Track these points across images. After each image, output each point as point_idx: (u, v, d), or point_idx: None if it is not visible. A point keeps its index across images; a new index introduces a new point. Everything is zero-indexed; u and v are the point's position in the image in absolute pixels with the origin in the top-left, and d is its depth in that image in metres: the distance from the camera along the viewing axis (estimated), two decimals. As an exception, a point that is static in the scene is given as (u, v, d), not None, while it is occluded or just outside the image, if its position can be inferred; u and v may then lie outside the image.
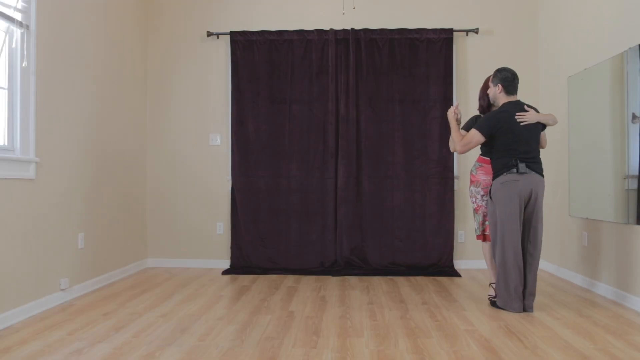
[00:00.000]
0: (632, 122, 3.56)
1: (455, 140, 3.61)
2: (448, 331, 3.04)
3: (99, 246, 4.30)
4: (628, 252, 3.67)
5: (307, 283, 4.48)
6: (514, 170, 3.40)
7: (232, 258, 5.12)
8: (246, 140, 5.15)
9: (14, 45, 3.38)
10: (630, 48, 3.58)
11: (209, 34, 5.22)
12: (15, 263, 3.25)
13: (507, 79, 3.51)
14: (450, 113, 3.70)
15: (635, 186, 3.53)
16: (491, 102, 3.67)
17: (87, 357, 2.60)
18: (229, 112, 5.23)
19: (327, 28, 5.14)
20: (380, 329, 3.08)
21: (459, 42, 5.21)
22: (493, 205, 3.50)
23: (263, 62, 5.16)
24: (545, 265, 5.02)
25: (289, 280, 4.63)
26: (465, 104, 5.19)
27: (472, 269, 5.07)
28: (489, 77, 3.71)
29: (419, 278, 4.70)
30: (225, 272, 4.92)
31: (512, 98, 3.54)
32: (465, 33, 5.19)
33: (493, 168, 3.55)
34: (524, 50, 5.21)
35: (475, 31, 5.13)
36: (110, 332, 3.02)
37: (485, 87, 3.76)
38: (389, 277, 4.74)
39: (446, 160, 5.06)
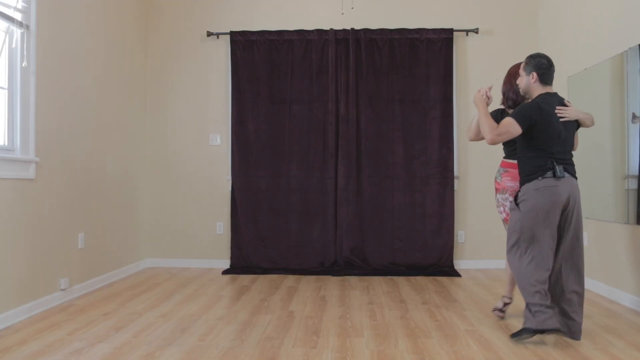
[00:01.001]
0: (632, 122, 3.56)
1: (486, 127, 2.97)
2: (448, 331, 3.04)
3: (99, 246, 4.30)
4: (628, 252, 3.67)
5: (307, 283, 4.48)
6: (550, 174, 2.86)
7: (232, 258, 5.12)
8: (246, 140, 5.15)
9: (14, 45, 3.38)
10: (630, 48, 3.58)
11: (209, 34, 5.22)
12: (15, 263, 3.25)
13: (543, 66, 2.98)
14: (481, 95, 3.12)
15: (635, 186, 3.53)
16: (522, 93, 3.10)
17: (87, 357, 2.60)
18: (229, 112, 5.23)
19: (327, 28, 5.14)
20: (380, 329, 3.08)
21: (459, 42, 5.21)
22: (518, 214, 2.91)
23: (263, 62, 5.16)
24: (545, 265, 5.02)
25: (289, 280, 4.63)
26: (465, 103, 5.19)
27: (472, 269, 5.07)
28: (516, 65, 3.28)
29: (419, 278, 4.70)
30: (225, 272, 4.92)
31: (548, 89, 3.00)
32: (465, 33, 5.19)
33: (522, 170, 2.98)
34: (524, 50, 5.20)
35: (475, 31, 5.13)
36: (110, 332, 3.02)
37: (513, 76, 3.26)
38: (389, 277, 4.74)
39: (446, 160, 5.06)
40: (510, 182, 3.26)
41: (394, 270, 4.90)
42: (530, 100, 3.03)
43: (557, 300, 2.90)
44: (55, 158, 3.70)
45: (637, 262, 3.55)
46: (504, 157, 3.35)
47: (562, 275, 2.90)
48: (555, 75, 4.77)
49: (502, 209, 3.34)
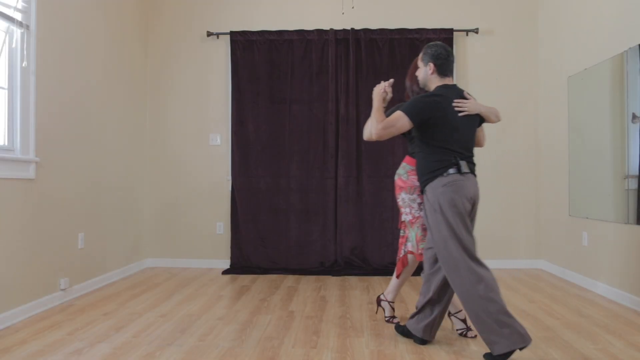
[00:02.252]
0: (632, 122, 3.56)
1: (374, 121, 2.71)
2: (448, 331, 3.04)
3: (99, 246, 4.30)
4: (628, 252, 3.67)
5: (307, 283, 4.48)
6: (454, 170, 2.62)
7: (232, 258, 5.12)
8: (246, 140, 5.15)
9: (14, 45, 3.38)
10: (630, 48, 3.58)
11: (209, 34, 5.22)
12: (15, 263, 3.25)
13: (441, 55, 2.73)
14: (380, 90, 2.81)
15: (635, 186, 3.53)
16: (421, 85, 2.86)
17: (87, 357, 2.60)
18: (229, 112, 5.23)
19: (327, 28, 5.14)
20: (380, 329, 3.08)
21: (459, 42, 5.21)
22: (438, 215, 2.61)
23: (263, 62, 5.16)
24: (546, 265, 5.02)
25: (289, 280, 4.63)
26: (465, 104, 5.19)
27: (472, 269, 5.06)
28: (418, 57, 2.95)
29: (418, 278, 4.70)
30: (225, 272, 4.92)
31: (447, 81, 2.76)
32: (465, 33, 5.19)
33: (423, 168, 2.73)
34: (524, 50, 5.21)
35: (475, 31, 5.13)
36: (110, 332, 3.02)
37: (414, 69, 2.99)
38: (389, 277, 4.74)
39: (446, 160, 5.05)
40: (418, 180, 2.91)
41: (394, 270, 4.89)
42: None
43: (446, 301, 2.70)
44: (55, 158, 3.70)
45: (637, 262, 3.55)
46: (409, 153, 3.11)
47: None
48: (555, 75, 4.80)
49: (408, 209, 3.05)
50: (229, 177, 5.20)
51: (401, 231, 3.16)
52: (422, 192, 2.78)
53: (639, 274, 3.53)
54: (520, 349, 2.42)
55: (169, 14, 5.34)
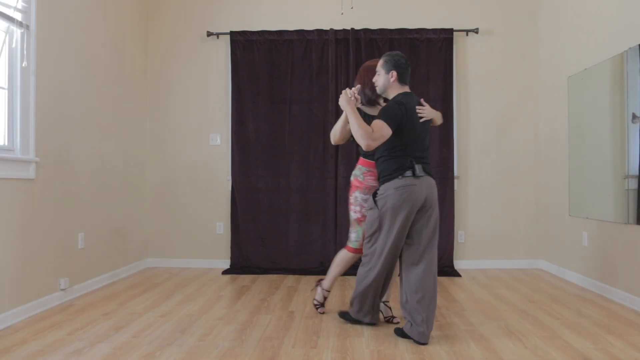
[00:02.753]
0: (632, 122, 3.56)
1: (363, 132, 2.79)
2: (448, 331, 3.04)
3: (99, 246, 4.30)
4: (628, 252, 3.67)
5: (307, 283, 4.48)
6: (410, 173, 2.83)
7: (232, 258, 5.12)
8: (246, 140, 5.15)
9: (14, 45, 3.38)
10: (630, 48, 3.58)
11: (209, 34, 5.22)
12: (15, 263, 3.25)
13: (402, 65, 2.93)
14: (349, 97, 2.97)
15: (635, 186, 3.53)
16: (379, 91, 3.02)
17: (87, 357, 2.60)
18: (229, 112, 5.23)
19: (327, 28, 5.14)
20: (380, 329, 3.08)
21: (459, 42, 5.21)
22: (377, 213, 2.89)
23: (263, 62, 5.16)
24: (546, 265, 5.02)
25: (289, 280, 4.63)
26: (465, 103, 5.19)
27: (472, 269, 5.07)
28: (372, 61, 3.22)
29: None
30: (225, 272, 4.92)
31: (405, 88, 2.96)
32: (465, 33, 5.19)
33: (382, 170, 2.94)
34: (524, 50, 5.20)
35: (475, 31, 5.13)
36: (110, 332, 3.02)
37: (369, 72, 3.16)
38: (389, 277, 4.73)
39: (446, 160, 5.06)
40: (374, 181, 3.18)
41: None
42: (388, 99, 2.99)
43: (410, 299, 2.83)
44: (55, 158, 3.70)
45: (637, 262, 3.55)
46: (363, 156, 3.23)
47: (408, 279, 2.86)
48: (555, 75, 4.80)
49: (358, 208, 3.22)
50: (229, 177, 5.20)
51: (351, 228, 3.37)
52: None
53: (639, 273, 3.53)
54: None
55: (169, 14, 5.34)
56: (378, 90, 3.03)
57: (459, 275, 4.78)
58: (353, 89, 3.05)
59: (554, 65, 4.86)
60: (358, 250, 3.28)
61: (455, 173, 5.13)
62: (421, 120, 2.91)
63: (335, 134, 3.23)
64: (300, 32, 5.14)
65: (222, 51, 5.29)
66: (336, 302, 3.76)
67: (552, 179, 4.90)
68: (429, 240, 2.88)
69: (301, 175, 5.11)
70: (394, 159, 2.88)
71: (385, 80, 2.96)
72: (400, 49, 5.09)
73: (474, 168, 5.18)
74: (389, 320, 3.25)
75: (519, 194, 5.17)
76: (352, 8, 5.01)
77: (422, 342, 2.78)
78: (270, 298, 3.91)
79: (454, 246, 5.09)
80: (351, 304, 3.14)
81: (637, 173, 3.51)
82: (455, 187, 5.14)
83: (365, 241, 3.02)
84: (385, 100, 3.11)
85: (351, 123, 2.88)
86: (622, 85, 3.68)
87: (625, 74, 3.64)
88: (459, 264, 5.12)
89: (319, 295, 3.50)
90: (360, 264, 3.07)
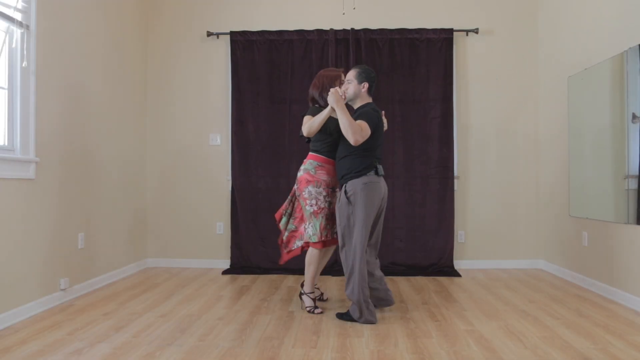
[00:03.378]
0: (632, 122, 3.56)
1: (355, 128, 3.13)
2: (448, 331, 3.04)
3: (99, 246, 4.30)
4: (628, 252, 3.67)
5: (307, 283, 4.48)
6: (373, 172, 3.26)
7: (232, 258, 5.12)
8: (246, 140, 5.15)
9: (14, 45, 3.38)
10: (630, 48, 3.58)
11: (209, 34, 5.22)
12: (15, 263, 3.25)
13: (373, 79, 3.39)
14: (340, 96, 3.24)
15: (635, 186, 3.53)
16: (348, 98, 3.36)
17: (87, 357, 2.60)
18: (229, 112, 5.23)
19: (327, 28, 5.14)
20: (380, 329, 3.08)
21: (459, 42, 5.21)
22: (351, 208, 3.22)
23: (263, 62, 5.16)
24: (546, 265, 5.02)
25: (289, 280, 4.63)
26: (465, 103, 5.19)
27: (472, 269, 5.07)
28: (331, 70, 3.59)
29: (419, 278, 4.70)
30: (225, 272, 4.92)
31: (370, 99, 3.43)
32: (465, 33, 5.19)
33: (350, 166, 3.26)
34: (524, 50, 5.21)
35: (475, 31, 5.13)
36: (110, 332, 3.02)
37: (330, 80, 3.48)
38: (389, 277, 4.73)
39: (446, 160, 5.06)
40: (325, 175, 3.44)
41: (394, 270, 4.90)
42: (353, 107, 3.41)
43: (370, 282, 3.34)
44: (55, 158, 3.70)
45: (637, 262, 3.55)
46: (315, 152, 3.48)
47: (371, 261, 3.40)
48: (555, 75, 4.80)
49: (314, 201, 3.41)
50: (229, 177, 5.20)
51: (292, 226, 3.64)
52: (340, 186, 3.36)
53: (639, 274, 3.53)
54: (363, 321, 3.19)
55: (169, 14, 5.34)
56: (347, 97, 3.37)
57: (459, 275, 4.78)
58: (340, 88, 3.36)
59: (554, 65, 4.86)
60: (319, 244, 3.44)
61: (455, 173, 5.13)
62: (384, 128, 3.43)
63: (312, 127, 3.34)
64: (300, 32, 5.14)
65: (222, 51, 5.29)
66: (336, 302, 3.75)
67: (552, 179, 4.90)
68: (379, 230, 3.43)
69: (301, 175, 5.10)
70: (361, 158, 3.26)
71: (357, 89, 3.37)
72: (400, 49, 5.09)
73: (474, 168, 5.18)
74: (320, 298, 3.72)
75: (519, 193, 5.17)
76: (354, 9, 5.01)
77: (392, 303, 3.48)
78: (270, 298, 3.91)
79: (454, 246, 5.09)
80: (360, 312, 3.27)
81: (637, 173, 3.51)
82: (455, 187, 5.14)
83: (341, 234, 3.28)
84: (348, 107, 3.37)
85: (342, 120, 3.17)
86: (622, 85, 3.68)
87: (625, 74, 3.63)
88: (459, 264, 5.12)
89: (307, 301, 3.53)
90: (342, 259, 3.32)
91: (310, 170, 3.44)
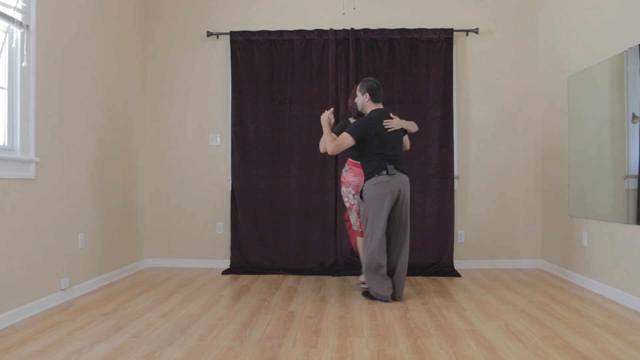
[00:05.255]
0: (632, 122, 3.56)
1: (328, 141, 3.82)
2: (448, 331, 3.04)
3: (99, 246, 4.30)
4: (628, 252, 3.67)
5: (307, 283, 4.48)
6: (384, 172, 3.69)
7: (232, 258, 5.12)
8: (246, 140, 5.15)
9: (14, 45, 3.38)
10: (630, 48, 3.58)
11: (209, 34, 5.22)
12: (15, 263, 3.25)
13: (373, 88, 3.83)
14: (325, 117, 3.92)
15: (635, 186, 3.53)
16: (359, 109, 3.94)
17: (87, 357, 2.60)
18: (229, 112, 5.23)
19: (327, 28, 5.14)
20: (380, 329, 3.08)
21: (459, 42, 5.21)
22: (364, 205, 3.76)
23: (263, 62, 5.16)
24: (546, 265, 5.02)
25: (289, 280, 4.63)
26: (465, 103, 5.19)
27: (472, 269, 5.07)
28: (357, 86, 4.02)
29: (418, 278, 4.70)
30: (225, 272, 4.92)
31: (378, 106, 3.85)
32: (465, 33, 5.19)
33: (364, 170, 3.83)
34: (524, 50, 5.21)
35: (475, 31, 5.13)
36: (110, 332, 3.02)
37: (354, 95, 4.01)
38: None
39: (446, 160, 5.05)
40: (353, 177, 4.03)
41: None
42: (365, 113, 3.88)
43: (391, 273, 3.78)
44: (55, 158, 3.70)
45: (637, 262, 3.55)
46: (350, 157, 4.10)
47: (394, 254, 3.77)
48: (555, 75, 4.80)
49: (347, 199, 4.08)
50: (229, 177, 5.20)
51: (351, 216, 4.14)
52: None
53: (639, 274, 3.53)
54: (387, 300, 3.72)
55: (169, 14, 5.34)
56: (358, 107, 3.95)
57: (459, 275, 4.78)
58: (329, 111, 3.95)
59: (554, 65, 4.86)
60: (360, 232, 4.06)
61: (455, 173, 5.13)
62: (389, 131, 3.75)
63: (322, 145, 4.13)
64: (300, 32, 5.14)
65: (222, 51, 5.29)
66: (336, 302, 3.76)
67: (552, 179, 4.90)
68: (406, 219, 3.78)
69: (301, 175, 5.11)
70: (371, 162, 3.76)
71: (361, 100, 3.89)
72: (400, 49, 5.09)
73: (474, 168, 5.18)
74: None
75: (519, 194, 5.17)
76: (354, 9, 5.01)
77: (392, 299, 3.76)
78: (270, 298, 3.91)
79: (454, 246, 5.09)
80: (364, 282, 3.90)
81: (637, 173, 3.51)
82: (455, 187, 5.14)
83: (363, 227, 3.85)
84: (362, 115, 3.98)
85: (324, 135, 3.90)
86: (622, 85, 3.68)
87: (625, 74, 3.63)
88: (459, 264, 5.12)
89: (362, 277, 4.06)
90: (363, 245, 3.88)
91: (343, 173, 4.12)
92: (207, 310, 3.52)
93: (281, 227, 5.10)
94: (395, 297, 3.77)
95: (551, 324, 3.17)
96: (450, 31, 5.09)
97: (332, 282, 4.55)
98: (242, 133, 5.15)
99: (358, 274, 4.84)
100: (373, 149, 3.73)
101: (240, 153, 5.14)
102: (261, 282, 4.51)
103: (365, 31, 5.10)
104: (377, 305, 3.66)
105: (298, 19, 5.22)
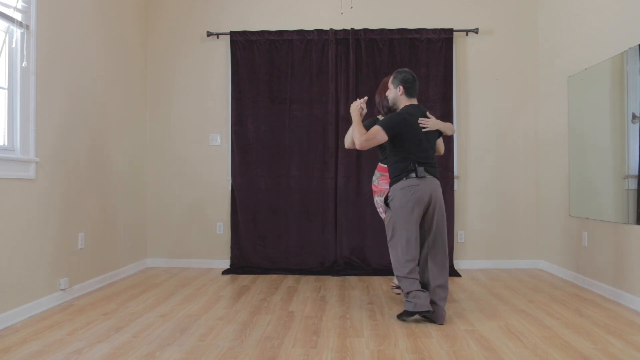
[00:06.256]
0: (632, 122, 3.56)
1: (357, 133, 3.29)
2: (448, 331, 3.04)
3: (99, 246, 4.30)
4: (628, 252, 3.67)
5: (307, 283, 4.48)
6: (413, 174, 3.22)
7: (232, 258, 5.12)
8: (246, 140, 5.15)
9: (14, 45, 3.38)
10: (630, 48, 3.58)
11: (209, 34, 5.22)
12: (15, 263, 3.25)
13: (408, 80, 3.34)
14: (357, 106, 3.42)
15: (635, 186, 3.53)
16: (390, 104, 3.46)
17: (87, 357, 2.60)
18: (229, 112, 5.23)
19: (327, 28, 5.14)
20: (380, 329, 3.08)
21: (459, 42, 5.21)
22: (389, 213, 3.28)
23: (263, 62, 5.16)
24: (545, 265, 5.02)
25: (289, 280, 4.63)
26: (465, 103, 5.19)
27: (472, 269, 5.07)
28: (387, 78, 3.60)
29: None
30: (225, 272, 4.92)
31: (412, 101, 3.37)
32: (465, 33, 5.19)
33: (391, 173, 3.34)
34: (524, 50, 5.20)
35: (475, 31, 5.13)
36: (110, 332, 3.02)
37: (384, 88, 3.61)
38: (389, 277, 4.74)
39: (446, 161, 5.05)
40: (386, 184, 3.56)
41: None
42: (397, 110, 3.39)
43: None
44: (55, 158, 3.70)
45: (637, 262, 3.55)
46: (380, 162, 3.68)
47: (428, 269, 3.24)
48: (555, 75, 4.80)
49: (382, 209, 3.62)
50: (229, 177, 5.20)
51: None
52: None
53: (639, 274, 3.53)
54: (420, 314, 3.16)
55: (169, 14, 5.34)
56: (389, 102, 3.45)
57: (459, 275, 4.78)
58: (361, 100, 3.45)
59: (554, 65, 4.86)
60: None
61: (455, 173, 5.13)
62: (423, 130, 3.27)
63: (347, 139, 3.64)
64: (300, 32, 5.14)
65: (222, 51, 5.29)
66: (336, 302, 3.76)
67: (552, 179, 4.90)
68: (440, 231, 3.27)
69: (301, 175, 5.11)
70: (398, 163, 3.27)
71: (394, 94, 3.39)
72: (400, 49, 5.09)
73: (474, 168, 5.18)
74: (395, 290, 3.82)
75: (519, 194, 5.17)
76: (351, 8, 5.01)
77: (440, 322, 3.18)
78: (270, 298, 3.91)
79: (454, 246, 5.09)
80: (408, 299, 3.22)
81: (637, 173, 3.51)
82: (455, 187, 5.14)
83: (389, 237, 3.32)
84: (394, 110, 3.47)
85: (353, 125, 3.37)
86: (622, 85, 3.68)
87: (625, 74, 3.63)
88: (459, 264, 5.12)
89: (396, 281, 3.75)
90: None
91: (374, 181, 3.70)
92: (207, 310, 3.52)
93: (281, 227, 5.10)
94: (437, 321, 3.19)
95: (551, 324, 3.17)
96: (450, 31, 5.09)
97: (332, 282, 4.54)
98: (242, 133, 5.15)
99: (358, 273, 4.84)
100: (403, 149, 3.25)
101: (240, 153, 5.14)
102: (261, 282, 4.51)
103: (365, 31, 5.10)
104: (377, 305, 3.66)
105: (298, 19, 5.22)
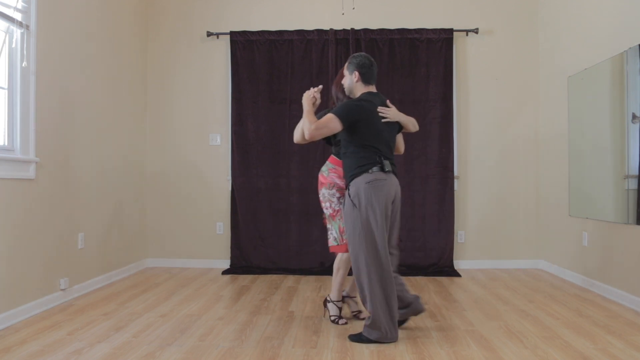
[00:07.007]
0: (632, 122, 3.56)
1: (307, 122, 2.92)
2: (448, 331, 3.04)
3: (99, 246, 4.30)
4: (628, 252, 3.67)
5: (307, 283, 4.48)
6: (378, 168, 2.85)
7: (232, 258, 5.12)
8: (246, 140, 5.15)
9: (14, 45, 3.38)
10: (630, 48, 3.58)
11: (209, 34, 5.22)
12: (15, 263, 3.25)
13: (365, 65, 2.98)
14: (309, 95, 3.10)
15: (635, 186, 3.53)
16: (347, 92, 3.10)
17: (87, 357, 2.60)
18: (229, 112, 5.23)
19: (327, 28, 5.14)
20: (380, 329, 3.08)
21: (459, 42, 5.21)
22: (356, 211, 2.84)
23: (263, 62, 5.16)
24: (545, 265, 5.02)
25: (289, 280, 4.63)
26: (465, 103, 5.19)
27: (472, 269, 5.07)
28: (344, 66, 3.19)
29: (418, 278, 4.70)
30: (225, 272, 4.92)
31: (370, 88, 3.01)
32: (465, 33, 5.19)
33: (348, 166, 2.94)
34: (524, 50, 5.20)
35: (475, 31, 5.13)
36: (110, 332, 3.02)
37: (340, 78, 3.20)
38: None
39: (446, 161, 5.05)
40: (338, 179, 3.21)
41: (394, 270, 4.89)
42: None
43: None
44: (55, 158, 3.70)
45: (637, 262, 3.55)
46: (333, 153, 3.30)
47: (391, 265, 2.90)
48: (555, 75, 4.80)
49: (328, 204, 3.23)
50: (229, 177, 5.20)
51: (328, 226, 3.30)
52: (346, 187, 2.96)
53: (639, 274, 3.53)
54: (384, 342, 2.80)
55: (169, 14, 5.34)
56: (346, 91, 3.09)
57: (459, 275, 4.78)
58: (315, 89, 3.16)
59: (554, 65, 4.86)
60: (342, 247, 3.20)
61: (455, 173, 5.13)
62: (383, 121, 2.92)
63: (297, 133, 3.26)
64: (300, 32, 5.14)
65: (222, 51, 5.29)
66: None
67: (552, 179, 4.89)
68: (396, 232, 3.03)
69: (301, 175, 5.11)
70: (358, 153, 2.89)
71: (349, 80, 3.03)
72: (400, 49, 5.09)
73: (474, 168, 5.18)
74: (356, 315, 3.33)
75: (519, 194, 5.17)
76: (353, 9, 5.00)
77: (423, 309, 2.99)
78: (270, 298, 3.91)
79: (454, 246, 5.09)
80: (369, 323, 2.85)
81: (637, 173, 3.51)
82: (455, 187, 5.14)
83: (351, 243, 2.90)
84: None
85: (303, 115, 3.01)
86: (622, 85, 3.68)
87: (625, 74, 3.63)
88: (459, 264, 5.12)
89: (332, 309, 3.26)
90: (354, 273, 2.90)
91: (324, 172, 3.28)
92: (207, 311, 3.52)
93: (281, 227, 5.10)
94: (419, 311, 3.01)
95: (551, 324, 3.17)
96: (450, 31, 5.09)
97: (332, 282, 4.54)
98: (242, 133, 5.15)
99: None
100: (362, 140, 2.88)
101: (240, 153, 5.14)
102: (261, 282, 4.51)
103: (365, 31, 5.10)
104: (377, 305, 3.66)
105: (298, 19, 5.22)
